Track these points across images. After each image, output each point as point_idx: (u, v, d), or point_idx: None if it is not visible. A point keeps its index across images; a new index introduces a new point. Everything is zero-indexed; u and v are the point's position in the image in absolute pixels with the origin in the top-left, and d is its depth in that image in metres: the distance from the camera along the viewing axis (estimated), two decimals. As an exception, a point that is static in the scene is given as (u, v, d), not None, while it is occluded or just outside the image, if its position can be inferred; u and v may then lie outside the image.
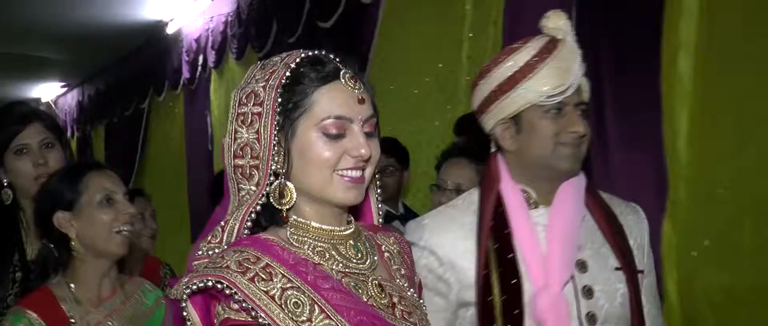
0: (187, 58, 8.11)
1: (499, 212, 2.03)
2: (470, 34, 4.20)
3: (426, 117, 4.47)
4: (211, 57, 7.49)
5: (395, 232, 1.74)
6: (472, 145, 3.28)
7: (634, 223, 2.16)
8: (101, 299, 2.27)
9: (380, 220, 1.71)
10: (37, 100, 13.15)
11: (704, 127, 2.96)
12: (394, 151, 3.92)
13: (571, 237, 2.02)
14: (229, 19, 7.03)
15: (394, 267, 1.64)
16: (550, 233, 2.01)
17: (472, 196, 2.13)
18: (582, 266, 2.02)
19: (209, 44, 7.54)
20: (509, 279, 1.96)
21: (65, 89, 12.53)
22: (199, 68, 7.86)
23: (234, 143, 1.51)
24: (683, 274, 2.98)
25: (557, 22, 2.01)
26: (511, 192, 2.05)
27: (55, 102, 12.81)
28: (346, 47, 4.88)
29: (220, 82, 7.53)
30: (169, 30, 8.38)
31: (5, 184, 2.61)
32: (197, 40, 7.88)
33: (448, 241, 2.05)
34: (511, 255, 1.98)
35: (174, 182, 8.63)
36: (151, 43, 8.88)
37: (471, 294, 2.00)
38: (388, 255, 1.65)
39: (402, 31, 4.79)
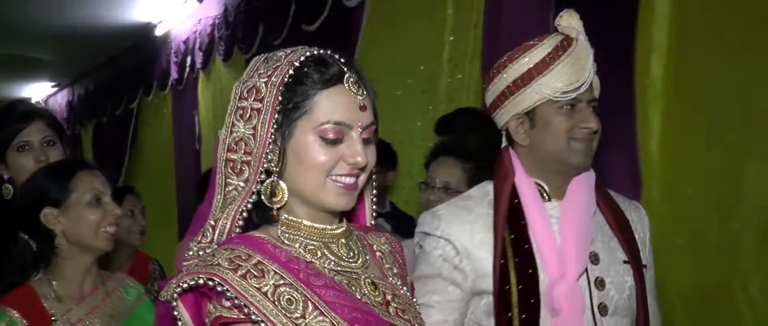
0: (175, 60, 8.10)
1: (514, 204, 2.02)
2: (451, 38, 4.22)
3: (409, 117, 4.48)
4: (199, 58, 7.49)
5: (386, 232, 1.68)
6: (453, 143, 3.29)
7: (637, 220, 2.17)
8: (83, 296, 2.23)
9: (372, 222, 1.65)
10: (28, 100, 13.07)
11: (676, 129, 3.00)
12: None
13: (585, 230, 2.01)
14: (217, 21, 7.02)
15: (387, 266, 1.58)
16: (564, 226, 2.01)
17: (486, 188, 2.11)
18: (595, 258, 2.02)
19: (197, 46, 7.54)
20: (526, 268, 1.95)
21: (56, 89, 12.46)
22: (187, 69, 7.85)
23: (229, 136, 1.45)
24: (657, 271, 3.00)
25: (570, 21, 2.00)
26: (525, 185, 2.04)
27: (46, 101, 12.72)
28: (331, 50, 4.89)
29: (208, 83, 7.53)
30: (158, 32, 8.36)
31: (6, 180, 2.60)
32: (185, 42, 7.87)
33: (464, 231, 2.03)
34: (527, 246, 1.97)
35: (162, 180, 8.61)
36: (140, 45, 8.85)
37: (487, 283, 1.99)
38: (380, 254, 1.59)
39: (385, 34, 4.80)
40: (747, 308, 2.72)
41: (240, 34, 6.52)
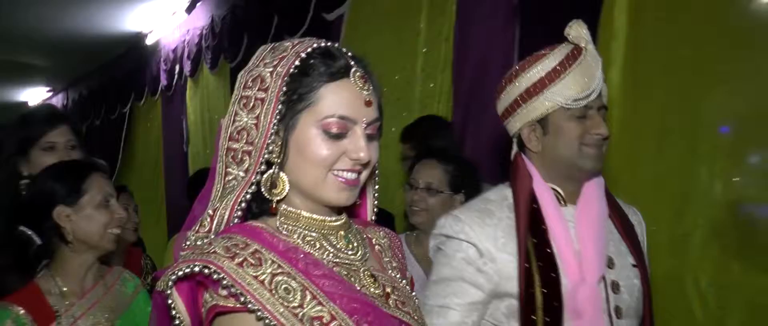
0: (164, 67, 8.07)
1: (534, 209, 1.93)
2: (424, 50, 4.23)
3: (384, 123, 4.48)
4: (187, 66, 7.46)
5: (384, 227, 1.56)
6: (423, 148, 3.31)
7: (637, 223, 2.12)
8: (84, 291, 2.19)
9: (373, 217, 1.54)
10: (24, 104, 12.94)
11: (631, 135, 3.03)
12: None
13: (601, 234, 1.94)
14: (204, 31, 7.00)
15: (386, 259, 1.47)
16: (581, 230, 1.93)
17: (504, 192, 2.01)
18: (610, 262, 1.95)
19: (185, 54, 7.51)
20: (549, 272, 1.87)
21: (51, 94, 12.34)
22: (176, 76, 7.83)
23: (232, 125, 1.33)
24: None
25: (579, 31, 1.93)
26: (543, 190, 1.96)
27: (41, 105, 12.62)
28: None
29: (195, 90, 7.50)
30: (149, 41, 8.32)
31: (25, 176, 2.57)
32: (174, 51, 7.84)
33: (488, 235, 1.93)
34: (549, 250, 1.89)
35: (152, 180, 8.57)
36: (132, 53, 8.81)
37: (511, 286, 1.89)
38: (378, 248, 1.48)
39: (362, 45, 4.79)
40: (697, 300, 2.76)
41: (226, 44, 6.51)
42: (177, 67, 7.77)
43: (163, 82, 8.11)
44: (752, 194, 2.76)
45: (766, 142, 2.71)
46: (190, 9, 7.33)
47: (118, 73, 9.37)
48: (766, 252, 2.68)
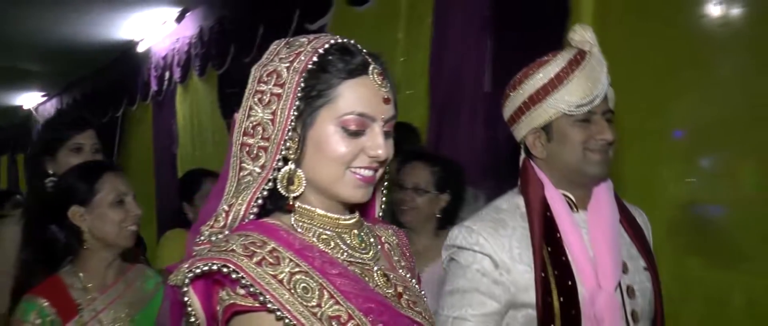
0: (155, 74, 8.01)
1: (547, 216, 1.82)
2: (402, 59, 4.23)
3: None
4: (177, 73, 7.41)
5: (392, 225, 1.51)
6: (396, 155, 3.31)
7: (643, 224, 2.04)
8: (106, 286, 2.18)
9: (380, 214, 1.48)
10: (19, 108, 12.82)
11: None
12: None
13: (615, 239, 1.85)
14: (193, 40, 6.96)
15: (395, 258, 1.42)
16: (595, 236, 1.83)
17: (516, 200, 1.90)
18: (624, 267, 1.85)
19: (175, 62, 7.46)
20: (565, 281, 1.77)
21: (45, 98, 12.22)
22: (166, 82, 7.78)
23: (246, 120, 1.25)
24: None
25: (584, 35, 1.83)
26: (555, 197, 1.85)
27: (36, 109, 12.49)
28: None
29: (185, 96, 7.47)
30: (140, 48, 8.25)
31: (50, 175, 2.57)
32: (164, 58, 7.79)
33: (503, 246, 1.81)
34: (564, 258, 1.79)
35: (143, 181, 8.49)
36: (124, 60, 8.73)
37: (527, 296, 1.78)
38: (388, 246, 1.42)
39: (344, 54, 4.80)
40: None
41: (214, 52, 6.47)
42: (167, 74, 7.72)
43: (154, 87, 8.06)
44: (706, 195, 2.79)
45: (721, 145, 2.74)
46: (179, 19, 7.29)
47: (111, 78, 9.30)
48: (720, 249, 2.70)
